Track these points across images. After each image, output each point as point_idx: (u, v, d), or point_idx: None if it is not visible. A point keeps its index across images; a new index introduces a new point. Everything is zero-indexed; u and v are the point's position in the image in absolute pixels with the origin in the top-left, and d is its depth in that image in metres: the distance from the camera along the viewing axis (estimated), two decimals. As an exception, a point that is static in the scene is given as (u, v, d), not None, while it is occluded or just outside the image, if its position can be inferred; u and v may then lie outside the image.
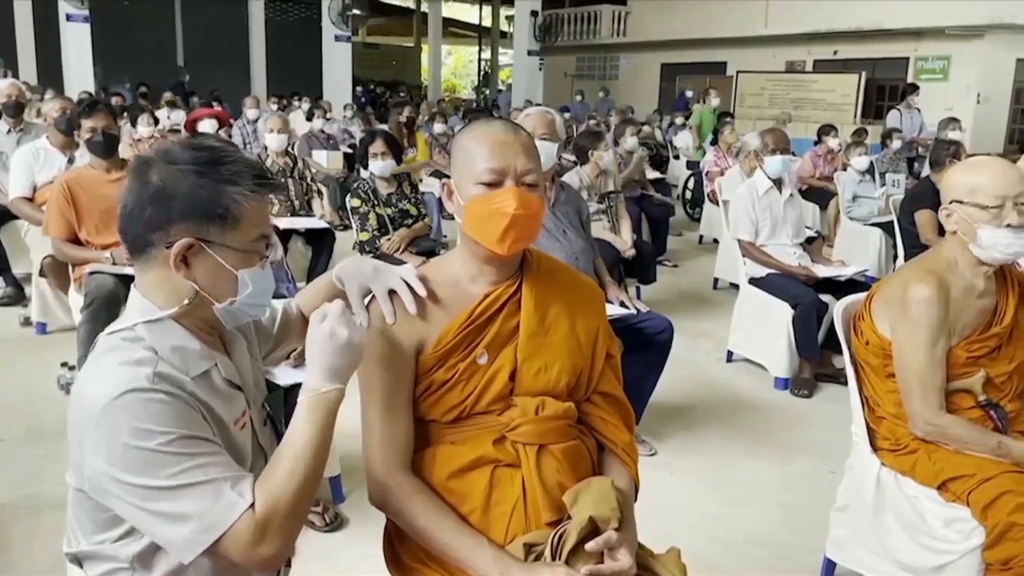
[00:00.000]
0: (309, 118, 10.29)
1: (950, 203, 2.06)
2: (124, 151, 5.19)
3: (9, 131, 5.21)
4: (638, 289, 5.31)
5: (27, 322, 4.69)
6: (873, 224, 6.18)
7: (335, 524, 2.72)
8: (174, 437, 1.13)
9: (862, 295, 2.30)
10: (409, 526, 1.42)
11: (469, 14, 27.88)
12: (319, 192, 5.90)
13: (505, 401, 1.45)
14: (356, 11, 19.39)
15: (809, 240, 4.75)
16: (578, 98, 17.03)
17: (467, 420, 1.45)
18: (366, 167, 4.70)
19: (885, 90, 14.44)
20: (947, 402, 2.06)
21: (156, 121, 7.60)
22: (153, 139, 7.00)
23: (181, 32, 20.39)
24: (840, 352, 2.41)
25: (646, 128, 10.68)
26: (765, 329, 4.25)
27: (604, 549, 1.36)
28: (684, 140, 10.74)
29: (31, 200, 4.48)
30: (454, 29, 27.89)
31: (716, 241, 7.03)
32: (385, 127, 7.38)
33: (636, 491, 1.55)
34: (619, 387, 1.59)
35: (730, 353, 4.58)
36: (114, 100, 10.74)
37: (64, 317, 4.44)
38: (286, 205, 5.39)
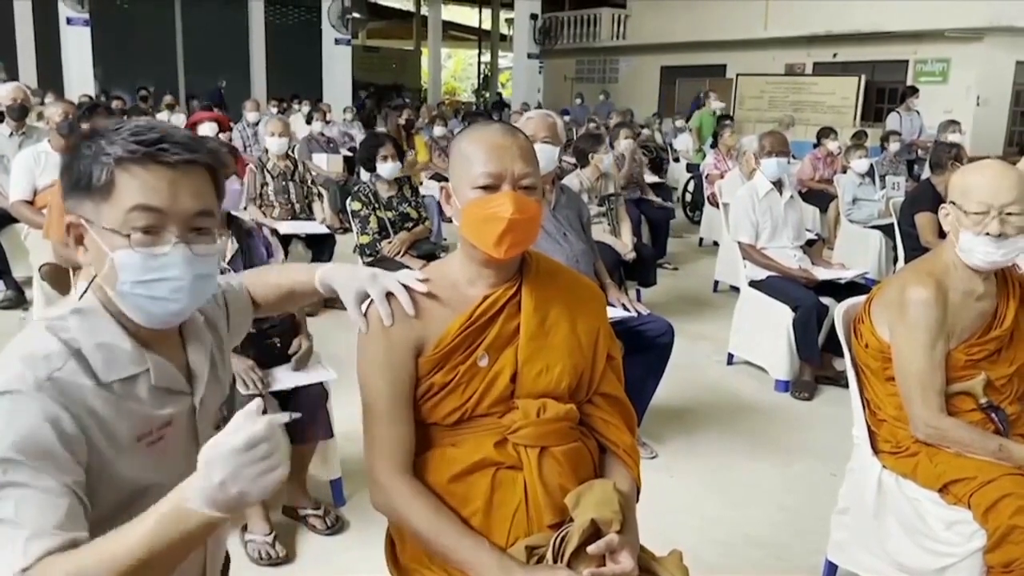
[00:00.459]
0: (309, 121, 10.29)
1: (948, 203, 2.07)
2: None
3: (11, 134, 5.22)
4: (638, 292, 5.31)
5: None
6: (873, 227, 6.19)
7: (336, 527, 2.72)
8: (13, 461, 1.00)
9: (862, 298, 2.30)
10: (411, 529, 1.42)
11: (469, 17, 27.88)
12: (319, 195, 5.91)
13: (506, 403, 1.45)
14: (356, 14, 19.40)
15: (809, 243, 4.76)
16: (578, 101, 17.04)
17: (468, 423, 1.45)
18: (369, 170, 4.71)
19: (885, 93, 14.45)
20: (948, 405, 2.05)
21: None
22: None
23: (181, 35, 20.40)
24: (840, 355, 2.41)
25: (645, 131, 10.69)
26: (765, 332, 4.25)
27: (606, 552, 1.36)
28: (684, 143, 10.75)
29: (31, 203, 4.48)
30: (454, 32, 27.91)
31: (716, 244, 7.03)
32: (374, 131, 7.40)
33: (638, 493, 1.55)
34: (620, 388, 1.59)
35: (730, 356, 4.58)
36: (115, 103, 10.75)
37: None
38: (287, 209, 5.40)
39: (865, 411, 2.24)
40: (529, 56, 18.92)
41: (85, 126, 4.02)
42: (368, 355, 1.45)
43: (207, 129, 6.83)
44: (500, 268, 1.47)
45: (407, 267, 4.22)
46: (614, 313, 3.25)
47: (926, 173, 5.94)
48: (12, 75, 13.11)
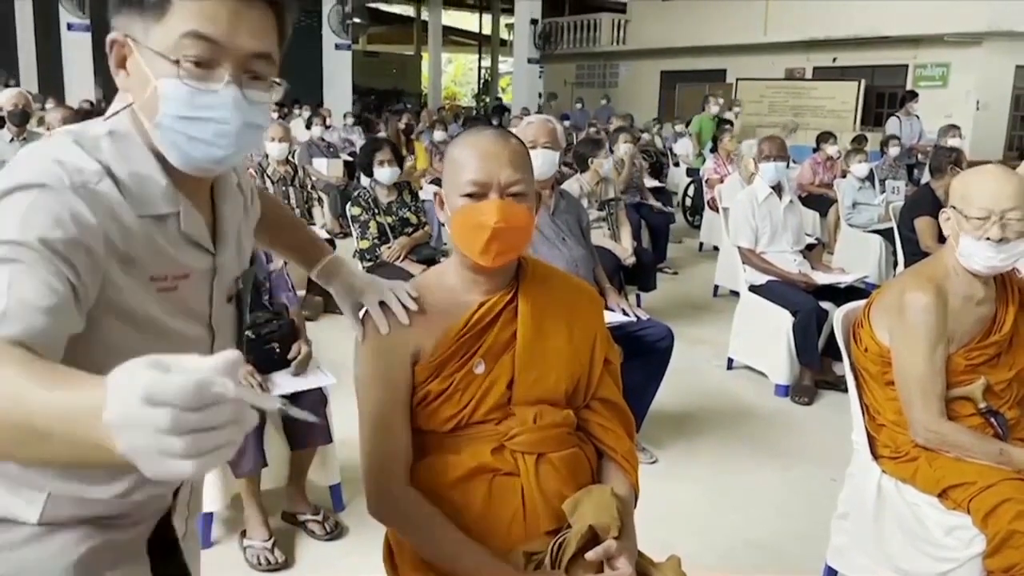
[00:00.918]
0: (309, 126, 10.31)
1: (948, 208, 2.07)
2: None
3: (12, 140, 5.23)
4: (638, 297, 5.32)
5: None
6: (873, 231, 6.19)
7: (335, 532, 2.72)
8: (25, 245, 0.89)
9: (862, 302, 2.30)
10: (408, 537, 1.42)
11: (469, 22, 27.93)
12: (319, 200, 5.91)
13: (503, 410, 1.45)
14: (356, 20, 19.43)
15: (809, 247, 4.76)
16: (578, 106, 17.06)
17: (465, 430, 1.45)
18: (368, 175, 4.71)
19: (884, 97, 14.47)
20: (947, 410, 2.05)
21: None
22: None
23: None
24: (840, 359, 2.41)
25: (645, 136, 10.70)
26: (765, 336, 4.25)
27: (604, 558, 1.35)
28: (684, 147, 10.75)
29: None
30: (454, 37, 27.96)
31: (716, 248, 7.03)
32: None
33: (636, 499, 1.55)
34: (619, 393, 1.59)
35: (730, 360, 4.58)
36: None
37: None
38: (287, 213, 5.39)
39: (864, 416, 2.24)
40: (529, 61, 18.93)
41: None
42: (365, 363, 1.45)
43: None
44: (495, 275, 1.46)
45: (407, 272, 4.23)
46: (613, 318, 3.25)
47: (926, 177, 5.94)
48: (13, 80, 13.13)
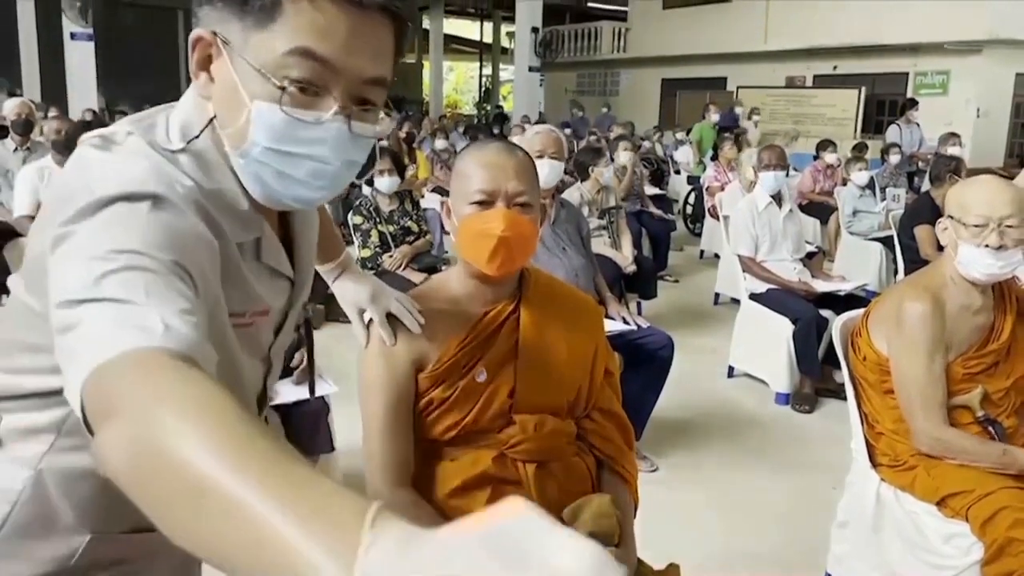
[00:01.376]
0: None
1: (946, 218, 2.09)
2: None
3: (16, 149, 5.26)
4: (639, 305, 5.32)
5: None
6: (873, 239, 6.20)
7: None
8: (159, 259, 0.73)
9: (860, 311, 2.31)
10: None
11: (470, 30, 28.00)
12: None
13: (505, 419, 1.47)
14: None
15: (809, 255, 4.77)
16: (579, 114, 17.10)
17: (467, 438, 1.47)
18: (369, 184, 4.73)
19: (885, 105, 14.48)
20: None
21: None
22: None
23: (184, 48, 20.49)
24: (840, 367, 2.43)
25: (646, 144, 10.72)
26: (766, 344, 4.26)
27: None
28: (685, 155, 10.77)
29: (34, 219, 4.51)
30: (455, 45, 28.03)
31: (717, 256, 7.03)
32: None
33: (636, 508, 1.56)
34: (618, 404, 1.61)
35: (731, 368, 4.58)
36: (118, 118, 10.79)
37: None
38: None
39: (863, 424, 2.25)
40: (530, 69, 18.95)
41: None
42: (369, 371, 1.46)
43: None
44: (498, 284, 1.48)
45: (408, 280, 4.25)
46: (614, 326, 3.26)
47: (926, 185, 5.95)
48: (17, 89, 13.18)
